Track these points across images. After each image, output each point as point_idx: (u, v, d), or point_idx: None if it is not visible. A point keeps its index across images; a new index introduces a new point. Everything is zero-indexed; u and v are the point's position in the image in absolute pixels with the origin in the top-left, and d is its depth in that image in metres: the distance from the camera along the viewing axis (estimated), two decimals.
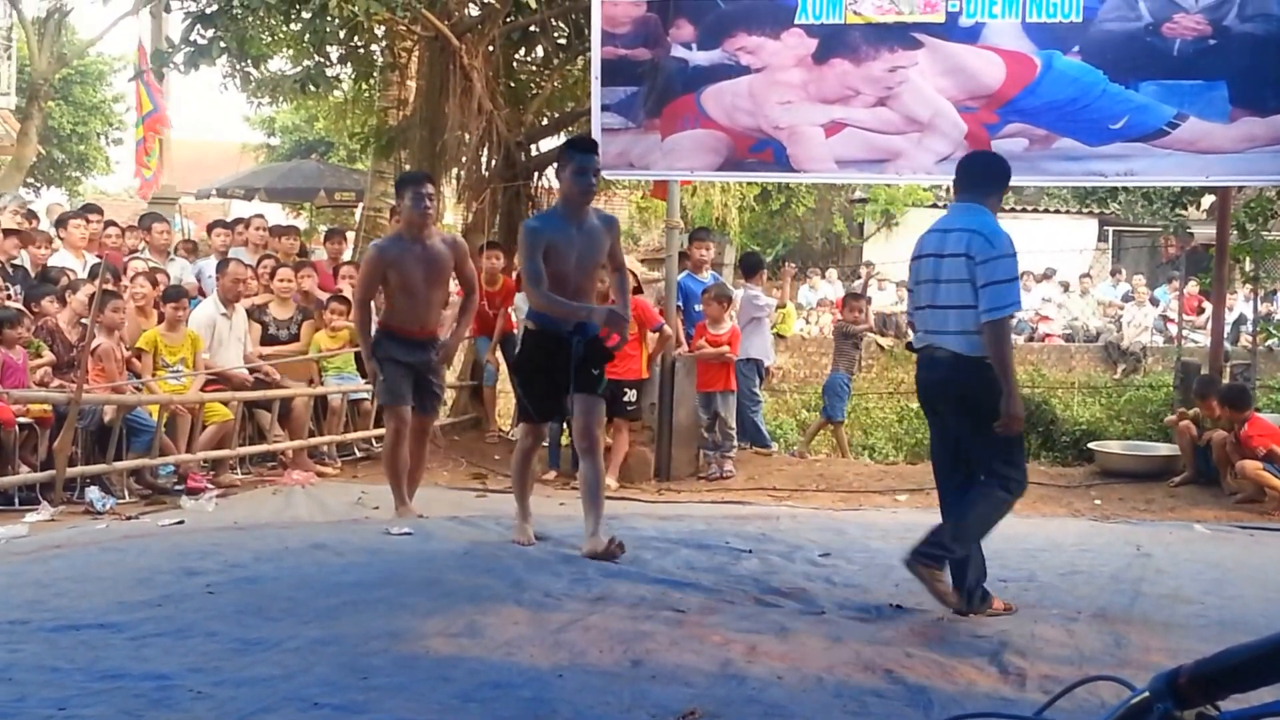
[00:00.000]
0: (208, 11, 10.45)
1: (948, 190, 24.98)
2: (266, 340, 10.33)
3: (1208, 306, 15.42)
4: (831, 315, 20.67)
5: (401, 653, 4.49)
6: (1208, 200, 13.32)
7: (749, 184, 20.26)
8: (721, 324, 9.95)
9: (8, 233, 9.92)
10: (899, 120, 8.81)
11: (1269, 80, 8.34)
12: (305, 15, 10.54)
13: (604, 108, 9.12)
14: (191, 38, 10.53)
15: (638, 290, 9.80)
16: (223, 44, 10.69)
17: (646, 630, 4.91)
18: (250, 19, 10.69)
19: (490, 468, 10.04)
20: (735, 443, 10.06)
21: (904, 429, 16.15)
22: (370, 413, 10.62)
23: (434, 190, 7.34)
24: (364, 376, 10.71)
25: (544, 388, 6.41)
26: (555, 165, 7.22)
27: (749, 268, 11.80)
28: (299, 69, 13.00)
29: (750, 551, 6.71)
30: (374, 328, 7.33)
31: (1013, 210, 20.88)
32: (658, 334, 9.51)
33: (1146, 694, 1.44)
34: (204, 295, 10.56)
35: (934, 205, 25.54)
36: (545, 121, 13.11)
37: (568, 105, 13.25)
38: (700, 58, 9.02)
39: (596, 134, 9.09)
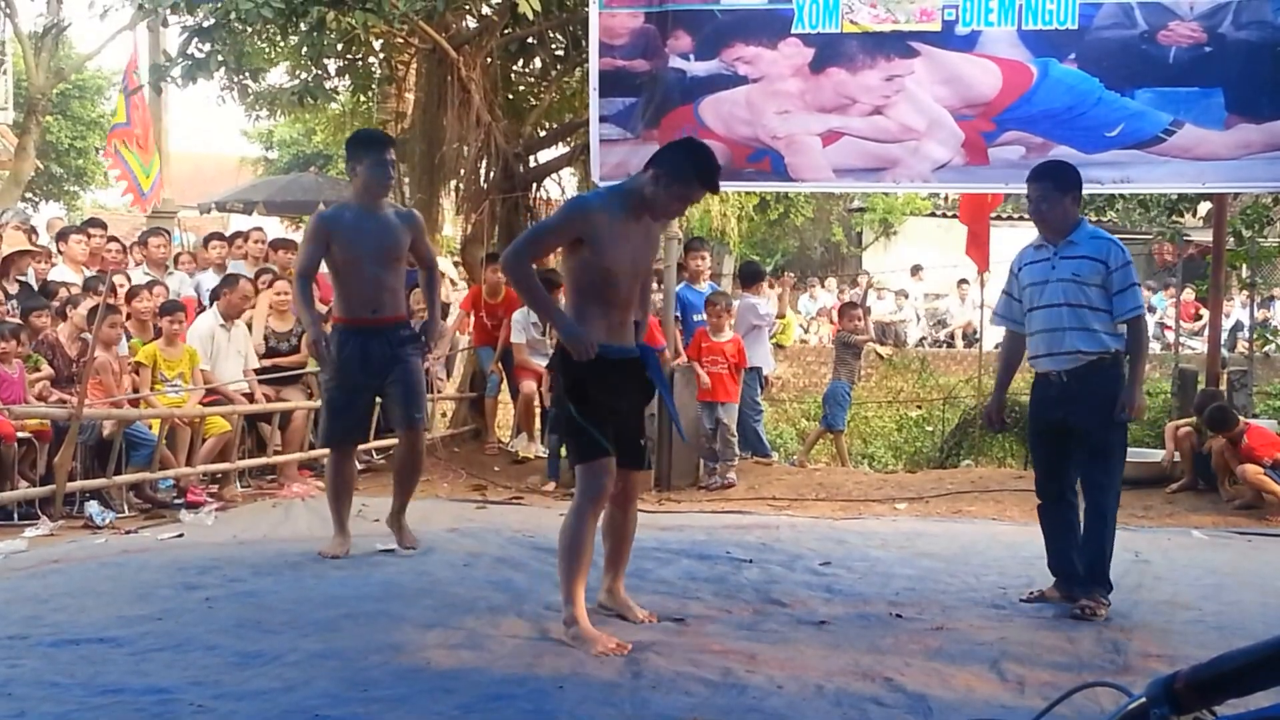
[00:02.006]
0: (205, 25, 10.45)
1: (946, 199, 25.07)
2: (267, 353, 10.34)
3: (1205, 313, 15.43)
4: (831, 324, 20.70)
5: (402, 665, 4.50)
6: (1204, 207, 13.36)
7: (747, 194, 20.28)
8: (722, 332, 9.96)
9: (19, 254, 9.93)
10: (896, 129, 8.83)
11: (1264, 87, 8.35)
12: (303, 28, 10.54)
13: (602, 119, 9.14)
14: (189, 51, 10.54)
15: None
16: (220, 57, 10.71)
17: (647, 640, 4.92)
18: (248, 32, 10.71)
19: (491, 479, 10.03)
20: (738, 452, 10.07)
21: (903, 438, 16.17)
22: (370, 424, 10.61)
23: (395, 159, 6.85)
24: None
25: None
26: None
27: (748, 277, 11.81)
28: (297, 82, 13.03)
29: (750, 561, 6.72)
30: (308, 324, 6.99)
31: (1010, 219, 20.89)
32: (659, 354, 9.51)
33: (1143, 699, 1.45)
34: (203, 308, 10.57)
35: (932, 214, 25.61)
36: (544, 133, 13.13)
37: (566, 116, 13.27)
38: (698, 68, 9.03)
39: (594, 145, 9.12)
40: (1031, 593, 5.91)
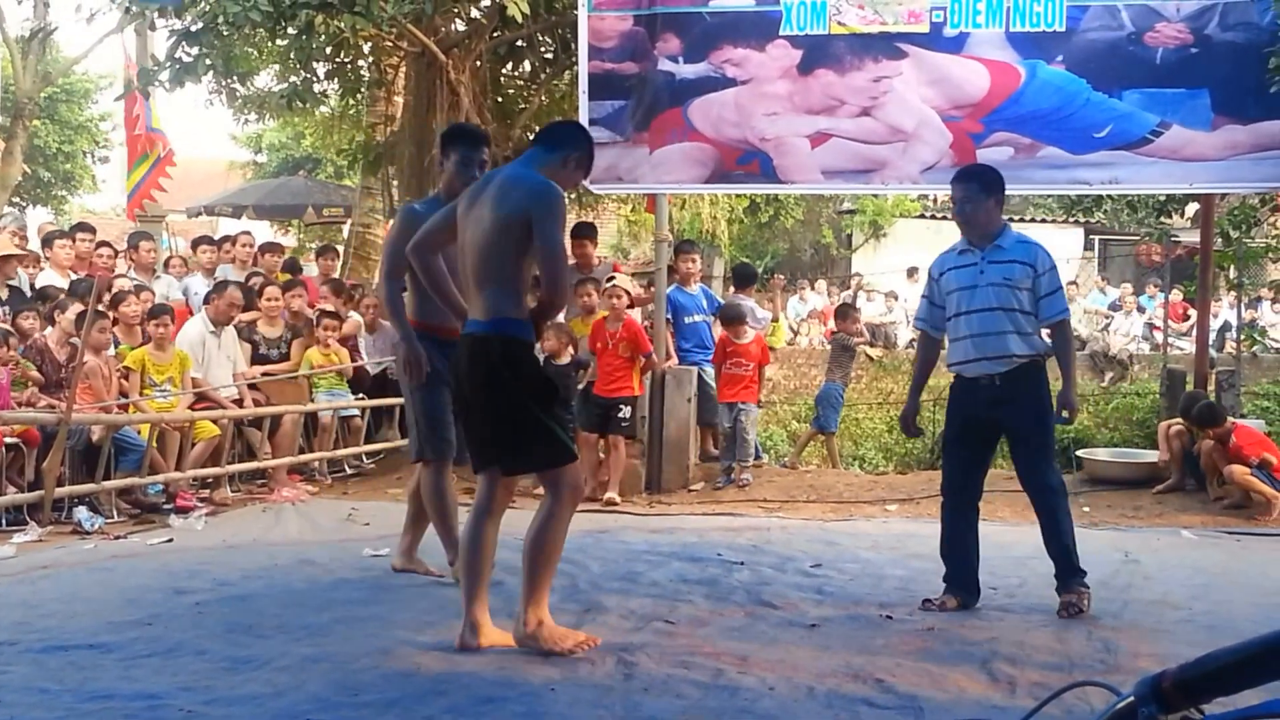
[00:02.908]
0: (193, 29, 10.44)
1: (936, 200, 25.11)
2: (256, 360, 10.33)
3: (1193, 313, 15.46)
4: (823, 327, 20.71)
5: (393, 668, 4.50)
6: (1192, 208, 13.40)
7: (738, 196, 20.30)
8: (743, 335, 10.00)
9: (5, 258, 9.90)
10: (884, 130, 8.84)
11: (1250, 88, 8.37)
12: (291, 32, 10.53)
13: (591, 122, 9.12)
14: (177, 55, 10.53)
15: (630, 307, 9.82)
16: (208, 61, 10.69)
17: (638, 642, 4.92)
18: (236, 36, 10.70)
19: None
20: (754, 453, 10.13)
21: (894, 439, 16.15)
22: (361, 429, 10.62)
23: (488, 160, 6.28)
24: (358, 391, 10.72)
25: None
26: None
27: (742, 279, 11.81)
28: (285, 85, 13.01)
29: (742, 563, 6.73)
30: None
31: None
32: (646, 359, 9.52)
33: (1131, 698, 1.45)
34: (191, 312, 10.56)
35: (922, 216, 25.64)
36: (533, 136, 13.10)
37: (555, 119, 13.27)
38: (687, 70, 9.03)
39: None
40: (929, 601, 5.86)
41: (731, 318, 10.10)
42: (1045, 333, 5.97)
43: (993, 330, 5.80)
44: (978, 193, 5.88)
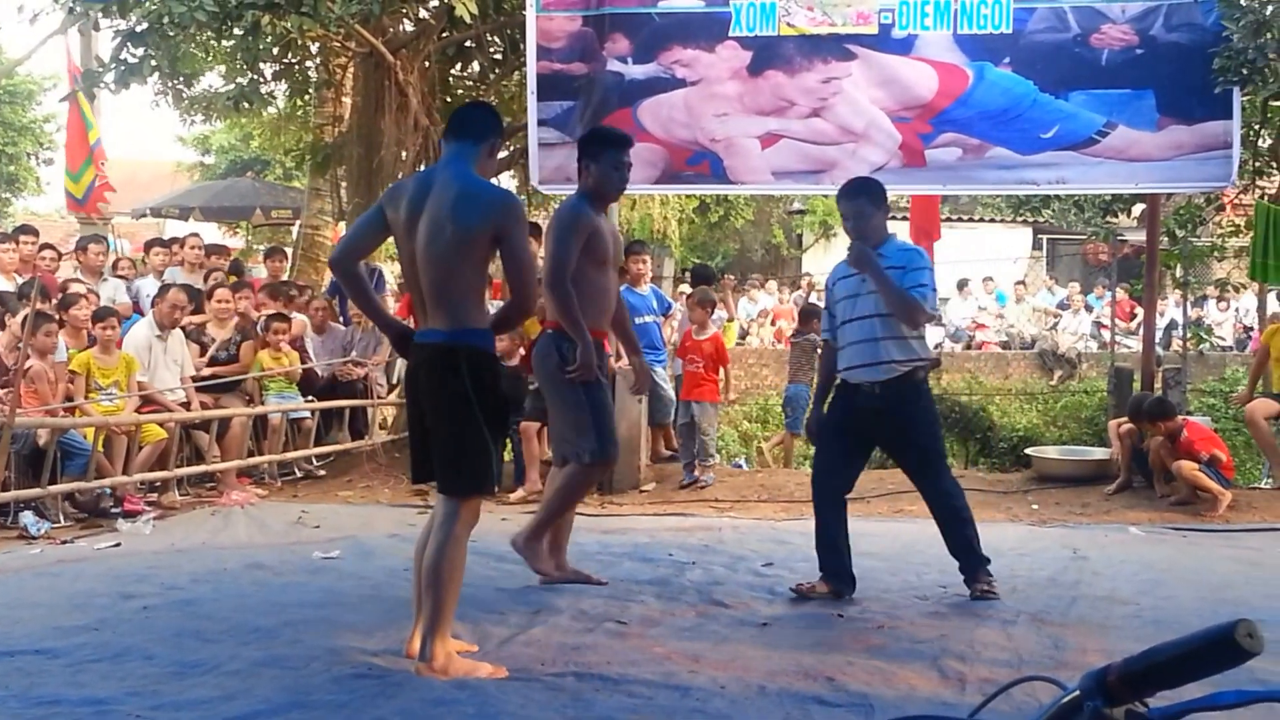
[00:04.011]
0: (138, 30, 10.33)
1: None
2: (206, 361, 10.24)
3: (1140, 312, 15.62)
4: (774, 327, 20.77)
5: (344, 671, 4.47)
6: (1138, 207, 13.52)
7: (688, 196, 20.33)
8: (706, 329, 10.03)
9: None
10: (834, 131, 8.88)
11: (1195, 89, 8.48)
12: (238, 32, 10.44)
13: (540, 122, 9.13)
14: (122, 56, 10.42)
15: None
16: (154, 62, 10.59)
17: (589, 643, 4.92)
18: (182, 37, 10.59)
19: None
20: (714, 453, 10.15)
21: None
22: (310, 431, 10.55)
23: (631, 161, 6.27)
24: (308, 393, 10.65)
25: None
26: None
27: (699, 279, 11.84)
28: (232, 86, 12.90)
29: (693, 563, 6.74)
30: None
31: (948, 219, 21.06)
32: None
33: (1077, 692, 1.46)
34: (141, 314, 10.46)
35: None
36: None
37: (504, 120, 13.20)
38: (636, 71, 9.04)
39: (533, 149, 9.10)
40: (801, 585, 5.95)
41: (701, 301, 10.15)
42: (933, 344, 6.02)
43: (870, 337, 5.84)
44: (866, 206, 5.92)
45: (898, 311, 5.77)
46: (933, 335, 20.35)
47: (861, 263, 5.83)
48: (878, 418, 5.89)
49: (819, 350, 12.07)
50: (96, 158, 14.23)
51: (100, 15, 10.65)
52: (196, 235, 12.97)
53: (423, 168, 11.65)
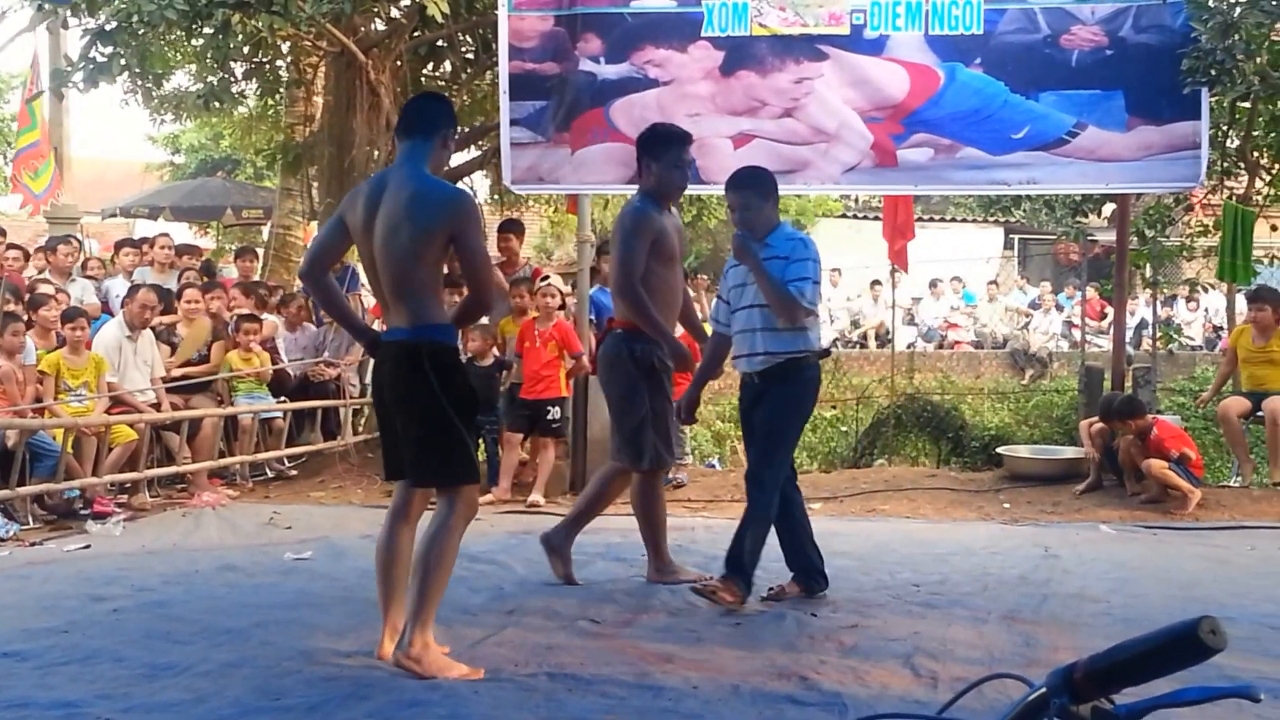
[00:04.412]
0: (107, 28, 10.26)
1: (857, 200, 25.30)
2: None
3: (1110, 311, 15.71)
4: None
5: (315, 673, 4.46)
6: (1108, 207, 13.61)
7: None
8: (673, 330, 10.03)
9: None
10: (806, 131, 8.89)
11: (1164, 89, 8.52)
12: (208, 31, 10.39)
13: (512, 122, 9.11)
14: (91, 55, 10.35)
15: (561, 307, 9.80)
16: (123, 61, 10.52)
17: (562, 643, 4.92)
18: (151, 35, 10.54)
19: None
20: (689, 452, 10.16)
21: (817, 438, 16.25)
22: (282, 431, 10.51)
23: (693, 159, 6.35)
24: (279, 394, 10.61)
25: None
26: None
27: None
28: (202, 85, 12.83)
29: None
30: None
31: (920, 219, 21.13)
32: (576, 360, 9.52)
33: (1044, 690, 1.47)
34: (110, 314, 10.41)
35: (844, 215, 25.82)
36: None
37: (477, 120, 13.21)
38: (608, 71, 9.03)
39: (505, 149, 9.08)
40: (772, 589, 5.91)
41: None
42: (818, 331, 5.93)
43: (750, 327, 5.83)
44: (754, 197, 5.86)
45: (775, 308, 5.69)
46: (905, 335, 20.45)
47: (741, 255, 5.78)
48: (754, 406, 5.87)
49: None
50: (28, 156, 14.20)
51: (69, 13, 10.58)
52: (166, 235, 12.91)
53: None
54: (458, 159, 12.70)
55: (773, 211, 5.94)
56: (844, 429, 15.96)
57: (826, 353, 6.09)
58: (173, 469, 9.43)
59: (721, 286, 6.18)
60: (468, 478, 4.67)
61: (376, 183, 4.73)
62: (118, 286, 11.13)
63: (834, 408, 17.20)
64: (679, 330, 6.45)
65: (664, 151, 6.15)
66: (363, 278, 12.87)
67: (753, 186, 5.91)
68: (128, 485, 9.13)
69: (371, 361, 10.49)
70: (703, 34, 8.90)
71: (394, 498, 4.87)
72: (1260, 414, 9.46)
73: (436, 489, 4.70)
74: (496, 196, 14.81)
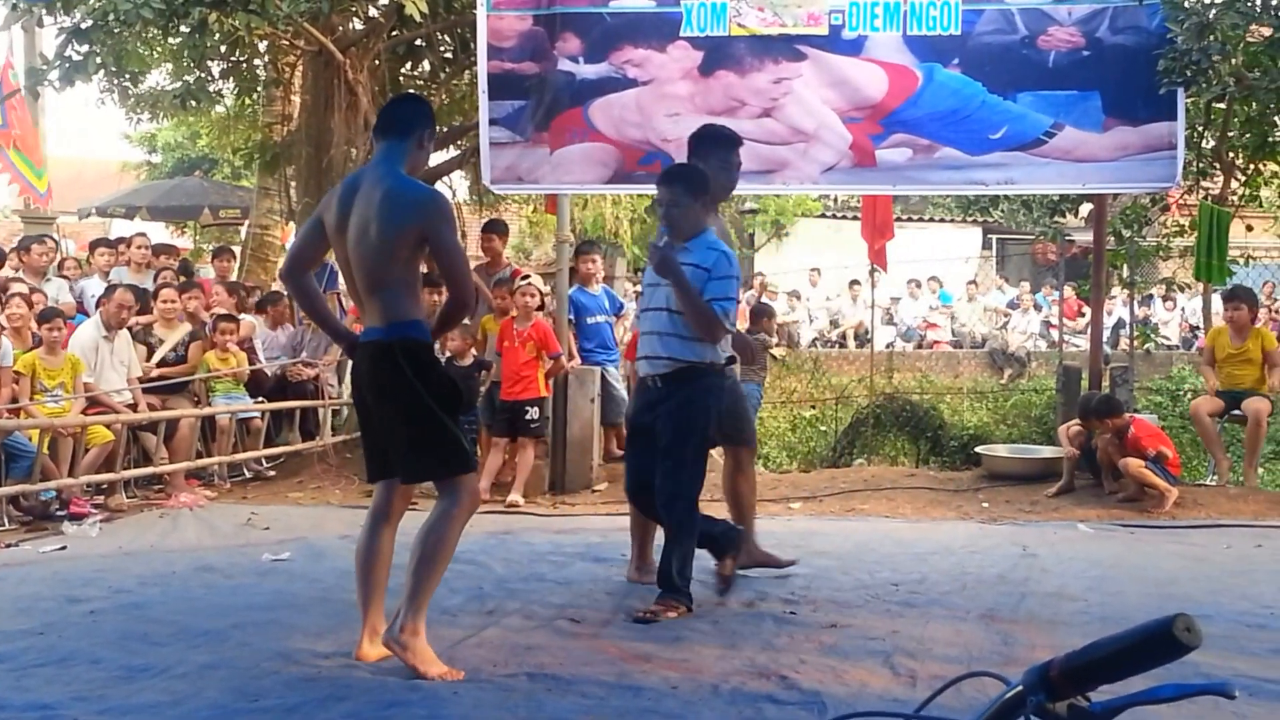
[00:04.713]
0: (83, 26, 10.19)
1: (836, 200, 25.33)
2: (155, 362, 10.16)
3: (1088, 311, 15.76)
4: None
5: (293, 674, 4.45)
6: (1086, 208, 13.64)
7: (640, 196, 20.32)
8: None
9: None
10: (785, 131, 8.90)
11: (1140, 90, 8.55)
12: (184, 29, 10.34)
13: (491, 122, 9.09)
14: (66, 53, 10.29)
15: (540, 308, 9.79)
16: (99, 59, 10.46)
17: (542, 643, 4.92)
18: (128, 33, 10.48)
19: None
20: None
21: (797, 438, 16.27)
22: (260, 432, 10.47)
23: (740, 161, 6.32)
24: (257, 394, 10.57)
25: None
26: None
27: None
28: (179, 84, 12.79)
29: None
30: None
31: (898, 219, 21.17)
32: (554, 360, 9.50)
33: (1020, 688, 1.48)
34: (85, 314, 10.35)
35: (823, 215, 25.88)
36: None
37: (455, 119, 13.21)
38: (587, 71, 9.02)
39: (484, 148, 9.06)
40: (639, 612, 5.55)
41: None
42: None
43: (657, 331, 5.73)
44: (683, 195, 5.68)
45: (694, 325, 5.59)
46: (884, 335, 20.52)
47: (663, 271, 5.60)
48: (654, 410, 5.71)
49: (769, 349, 12.17)
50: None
51: (44, 12, 10.52)
52: (143, 235, 12.85)
53: None
54: (436, 158, 12.69)
55: (702, 213, 5.78)
56: (823, 429, 15.97)
57: (733, 359, 5.97)
58: (150, 470, 9.39)
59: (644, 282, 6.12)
60: (463, 468, 4.67)
61: (351, 183, 4.74)
62: (93, 286, 11.08)
63: (813, 407, 17.23)
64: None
65: (712, 152, 6.14)
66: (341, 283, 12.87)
67: (682, 183, 5.74)
68: (104, 486, 9.08)
69: (349, 363, 10.46)
70: (681, 34, 8.89)
71: (375, 499, 4.87)
72: (1236, 413, 9.51)
73: (436, 485, 4.71)
74: (475, 196, 14.80)
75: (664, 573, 5.63)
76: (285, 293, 12.04)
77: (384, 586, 4.77)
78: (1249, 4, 8.59)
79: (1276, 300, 20.65)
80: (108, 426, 8.95)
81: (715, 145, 6.20)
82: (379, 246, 4.51)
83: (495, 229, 11.01)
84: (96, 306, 9.93)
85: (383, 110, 5.14)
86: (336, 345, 11.15)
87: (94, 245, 12.49)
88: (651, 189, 11.62)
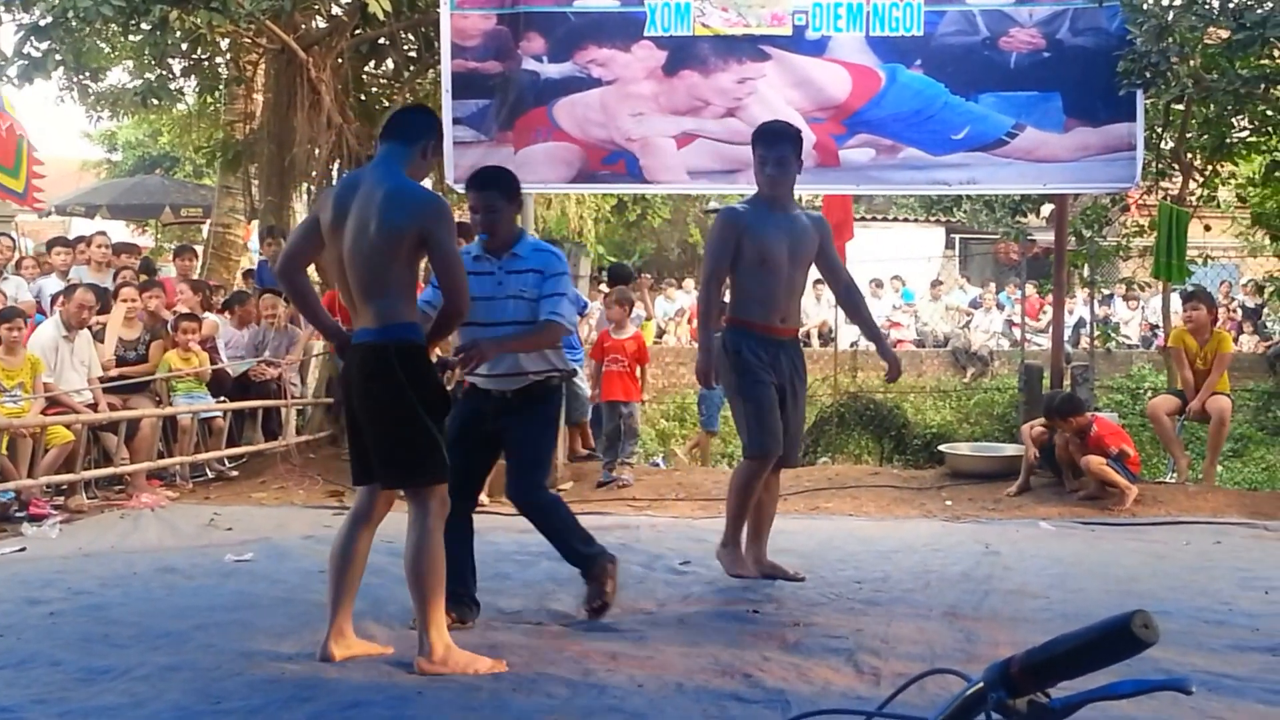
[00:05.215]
0: (42, 24, 10.13)
1: (800, 199, 25.36)
2: (115, 362, 10.07)
3: (1050, 310, 15.88)
4: (690, 326, 20.82)
5: (256, 676, 4.43)
6: (1047, 208, 13.76)
7: (605, 195, 20.35)
8: (624, 329, 10.02)
9: None
10: (748, 131, 8.89)
11: (1100, 91, 8.63)
12: (145, 27, 10.29)
13: (455, 121, 9.07)
14: (25, 50, 10.21)
15: None
16: (58, 56, 10.40)
17: (507, 642, 4.92)
18: (88, 31, 10.42)
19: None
20: (636, 452, 10.16)
21: None
22: (223, 431, 10.41)
23: (784, 156, 6.12)
24: (219, 393, 10.51)
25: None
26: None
27: (617, 278, 11.85)
28: (140, 82, 12.71)
29: None
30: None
31: (862, 219, 21.26)
32: None
33: (981, 684, 1.49)
34: (43, 314, 10.26)
35: None
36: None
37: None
38: (551, 70, 9.02)
39: (448, 147, 9.03)
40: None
41: (620, 299, 10.14)
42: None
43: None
44: (499, 199, 5.41)
45: (543, 344, 5.45)
46: (848, 334, 20.56)
47: (491, 349, 5.15)
48: (499, 420, 5.48)
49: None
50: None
51: (2, 8, 10.44)
52: (104, 233, 12.76)
53: (335, 166, 11.57)
54: None
55: (514, 216, 5.64)
56: None
57: (574, 373, 5.83)
58: (110, 470, 9.32)
59: None
60: (437, 477, 4.64)
61: (350, 181, 4.72)
62: (50, 285, 10.99)
63: None
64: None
65: (753, 148, 6.18)
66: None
67: (498, 187, 5.45)
68: (64, 487, 9.00)
69: (313, 362, 10.42)
70: (645, 34, 8.91)
71: (357, 501, 4.84)
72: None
73: (407, 491, 4.65)
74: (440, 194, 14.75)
75: (574, 558, 5.53)
76: (250, 293, 12.00)
77: (355, 588, 4.75)
78: (1207, 6, 8.68)
79: (1234, 300, 20.87)
80: (68, 426, 8.87)
81: (756, 141, 6.20)
82: (377, 246, 4.47)
83: (459, 231, 10.97)
84: (53, 305, 9.85)
85: (394, 114, 5.12)
86: (298, 344, 11.17)
87: (51, 245, 12.38)
88: (615, 188, 11.69)
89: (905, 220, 25.42)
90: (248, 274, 14.62)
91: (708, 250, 6.15)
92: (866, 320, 6.63)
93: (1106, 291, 19.64)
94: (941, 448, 11.10)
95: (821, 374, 17.56)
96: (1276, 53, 9.15)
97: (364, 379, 4.59)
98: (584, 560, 5.52)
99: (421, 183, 4.85)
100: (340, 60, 11.44)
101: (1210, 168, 11.83)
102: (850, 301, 6.57)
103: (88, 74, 13.29)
